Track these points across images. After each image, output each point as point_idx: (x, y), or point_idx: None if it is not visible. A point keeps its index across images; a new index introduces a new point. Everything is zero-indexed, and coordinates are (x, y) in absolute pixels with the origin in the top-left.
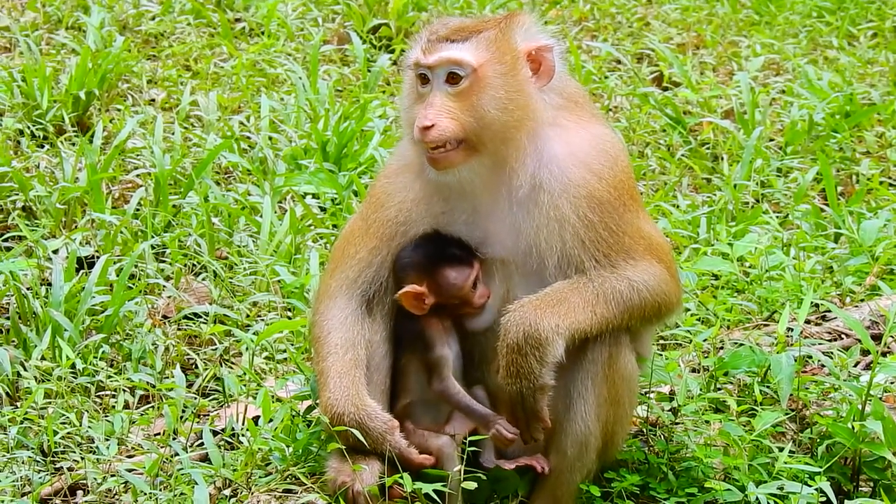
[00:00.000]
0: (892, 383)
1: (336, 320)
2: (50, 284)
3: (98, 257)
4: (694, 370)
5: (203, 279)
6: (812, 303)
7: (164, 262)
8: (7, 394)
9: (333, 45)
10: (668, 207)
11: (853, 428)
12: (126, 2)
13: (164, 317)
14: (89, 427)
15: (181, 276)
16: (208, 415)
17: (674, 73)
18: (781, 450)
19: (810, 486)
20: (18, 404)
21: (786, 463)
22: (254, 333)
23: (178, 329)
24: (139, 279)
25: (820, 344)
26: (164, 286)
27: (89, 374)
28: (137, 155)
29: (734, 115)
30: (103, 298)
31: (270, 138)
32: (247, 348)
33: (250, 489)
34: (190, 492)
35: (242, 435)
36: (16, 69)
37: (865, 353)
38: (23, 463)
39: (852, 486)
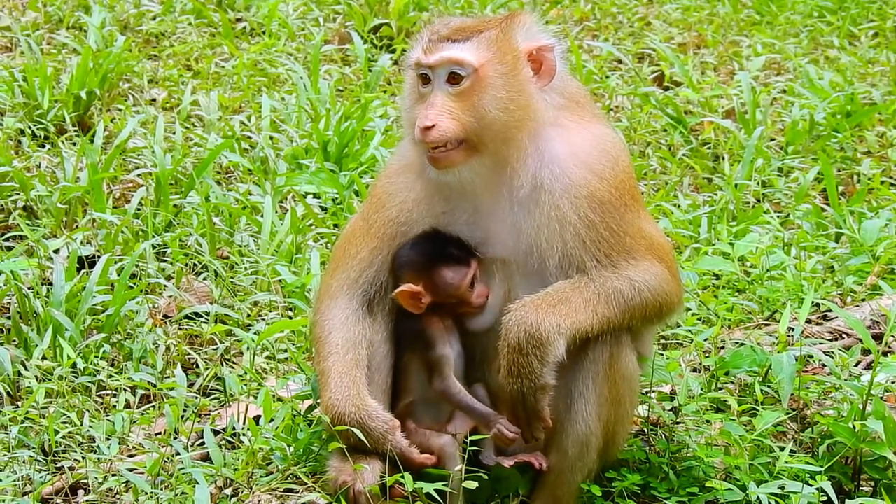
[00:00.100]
0: (893, 383)
1: (337, 320)
2: (51, 284)
3: (99, 257)
4: (695, 370)
5: (204, 279)
6: (813, 302)
7: (165, 261)
8: (8, 393)
9: (334, 44)
10: (669, 207)
11: (854, 427)
12: (127, 1)
13: (165, 316)
14: (90, 426)
15: (182, 275)
16: (209, 414)
17: (675, 72)
18: (782, 449)
19: (811, 485)
20: (19, 404)
21: (787, 462)
22: (255, 333)
23: (179, 329)
24: (140, 279)
25: (821, 344)
26: (165, 286)
27: (90, 373)
28: (138, 155)
29: (735, 115)
30: (104, 298)
31: (271, 138)
32: (248, 348)
33: (251, 489)
34: (191, 491)
35: (243, 434)
36: (17, 69)
37: (866, 352)
38: (24, 462)
39: (853, 486)
